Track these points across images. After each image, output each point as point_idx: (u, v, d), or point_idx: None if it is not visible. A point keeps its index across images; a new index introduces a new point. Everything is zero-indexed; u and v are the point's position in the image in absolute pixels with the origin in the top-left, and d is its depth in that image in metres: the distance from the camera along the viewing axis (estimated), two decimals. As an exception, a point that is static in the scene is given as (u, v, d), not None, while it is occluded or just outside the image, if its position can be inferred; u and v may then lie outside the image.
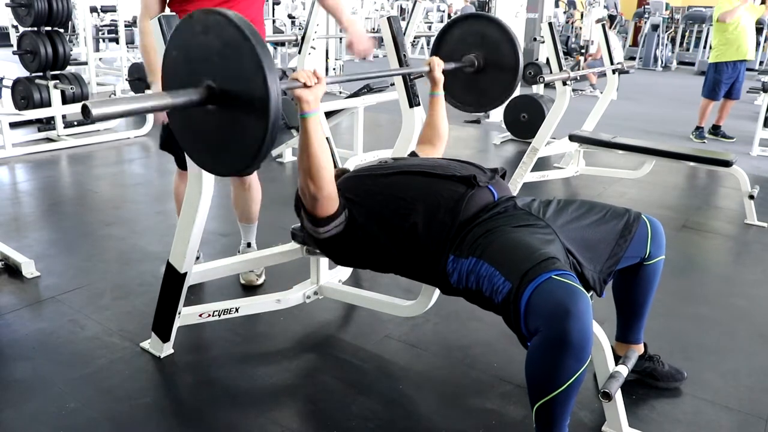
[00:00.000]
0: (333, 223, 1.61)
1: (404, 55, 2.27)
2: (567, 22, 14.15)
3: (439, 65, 2.08)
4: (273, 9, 9.58)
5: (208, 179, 1.71)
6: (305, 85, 1.49)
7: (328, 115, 4.04)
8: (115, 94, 6.63)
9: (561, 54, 3.63)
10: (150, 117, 4.97)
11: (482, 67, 2.30)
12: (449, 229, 1.54)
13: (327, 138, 3.97)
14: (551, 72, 3.64)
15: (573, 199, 1.70)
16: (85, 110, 1.18)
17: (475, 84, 2.34)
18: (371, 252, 1.67)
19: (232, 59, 1.31)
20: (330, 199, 1.58)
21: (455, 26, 2.38)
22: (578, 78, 3.72)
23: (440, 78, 2.08)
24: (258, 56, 1.26)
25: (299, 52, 3.69)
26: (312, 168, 1.52)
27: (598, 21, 6.52)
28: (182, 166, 2.35)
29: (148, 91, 2.36)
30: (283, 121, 5.21)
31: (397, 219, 1.59)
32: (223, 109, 1.36)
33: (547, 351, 1.29)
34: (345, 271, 2.33)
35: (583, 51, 8.75)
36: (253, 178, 2.53)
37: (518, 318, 1.33)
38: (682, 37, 13.81)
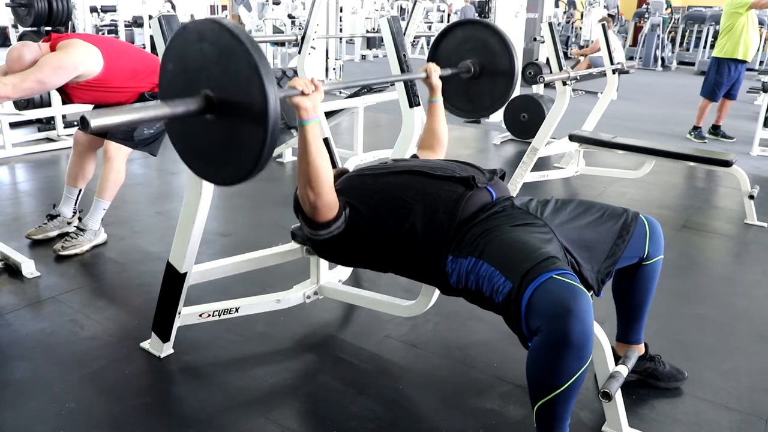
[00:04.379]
0: (332, 226, 1.62)
1: (404, 55, 2.27)
2: (567, 22, 14.15)
3: (435, 71, 2.08)
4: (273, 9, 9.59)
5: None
6: (303, 93, 1.49)
7: (328, 115, 4.04)
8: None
9: (561, 54, 3.63)
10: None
11: (479, 73, 2.29)
12: (448, 229, 1.54)
13: (326, 138, 3.99)
14: (551, 72, 3.64)
15: (571, 199, 1.70)
16: (84, 121, 1.18)
17: (472, 90, 2.33)
18: (370, 252, 1.67)
19: (228, 67, 1.30)
20: (329, 206, 1.58)
21: (451, 32, 2.37)
22: (578, 78, 3.70)
23: (438, 84, 2.08)
24: (255, 62, 1.25)
25: (299, 52, 3.69)
26: (311, 175, 1.52)
27: (600, 21, 6.51)
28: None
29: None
30: (282, 121, 5.22)
31: (396, 219, 1.59)
32: (221, 118, 1.36)
33: (548, 351, 1.29)
34: (345, 271, 2.33)
35: (581, 45, 8.74)
36: (117, 156, 2.69)
37: (519, 318, 1.33)
38: (682, 37, 13.81)
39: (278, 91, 1.30)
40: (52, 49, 2.47)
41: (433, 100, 2.09)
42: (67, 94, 2.58)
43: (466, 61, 2.29)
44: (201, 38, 1.35)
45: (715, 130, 5.85)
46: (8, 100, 2.39)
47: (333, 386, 1.86)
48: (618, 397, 1.59)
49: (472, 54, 2.30)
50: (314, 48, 3.81)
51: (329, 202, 1.57)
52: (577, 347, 1.26)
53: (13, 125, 4.73)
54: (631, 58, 11.43)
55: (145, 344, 2.00)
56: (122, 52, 2.65)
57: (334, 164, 2.44)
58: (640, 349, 1.83)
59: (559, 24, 13.56)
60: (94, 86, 2.55)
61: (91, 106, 2.87)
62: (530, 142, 3.72)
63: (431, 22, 15.57)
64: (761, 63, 11.79)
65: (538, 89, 5.45)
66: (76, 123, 5.02)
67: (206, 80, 1.35)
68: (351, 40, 13.28)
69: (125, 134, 2.70)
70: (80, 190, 2.92)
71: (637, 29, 13.69)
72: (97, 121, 1.19)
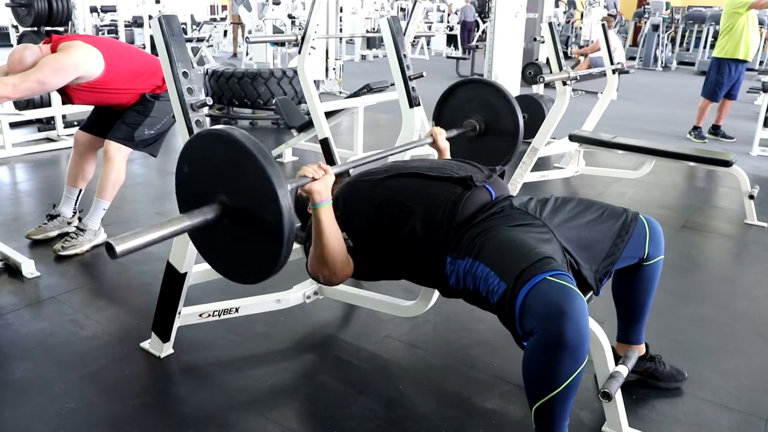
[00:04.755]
0: None
1: (404, 55, 2.28)
2: (567, 22, 14.16)
3: (441, 134, 2.11)
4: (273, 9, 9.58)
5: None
6: (313, 179, 1.52)
7: (328, 115, 4.03)
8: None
9: (561, 54, 3.63)
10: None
11: (484, 131, 2.32)
12: (447, 230, 1.54)
13: (327, 138, 3.98)
14: (551, 72, 3.64)
15: (570, 198, 1.69)
16: (110, 249, 1.19)
17: (477, 147, 2.35)
18: (372, 262, 1.66)
19: (241, 176, 1.33)
20: (345, 276, 1.63)
21: (455, 91, 2.40)
22: (578, 78, 3.70)
23: (445, 146, 2.11)
24: (266, 174, 1.27)
25: (299, 52, 3.68)
26: (326, 257, 1.56)
27: (601, 21, 6.51)
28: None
29: None
30: (283, 121, 5.22)
31: (396, 223, 1.59)
32: (238, 225, 1.38)
33: (544, 352, 1.29)
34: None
35: (581, 45, 8.74)
36: (117, 156, 2.70)
37: (513, 319, 1.33)
38: (682, 37, 13.81)
39: (289, 185, 1.32)
40: (53, 50, 2.48)
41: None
42: (68, 95, 2.59)
43: (471, 119, 2.30)
44: (214, 147, 1.38)
45: (715, 130, 5.85)
46: (8, 101, 2.40)
47: (333, 386, 1.86)
48: (618, 397, 1.59)
49: (476, 112, 2.32)
50: (314, 48, 3.80)
51: (346, 275, 1.63)
52: (572, 348, 1.26)
53: (13, 125, 4.73)
54: (631, 58, 11.44)
55: (145, 344, 2.00)
56: (123, 54, 2.65)
57: (333, 164, 2.45)
58: (640, 349, 1.82)
59: (559, 24, 13.57)
60: (95, 88, 2.55)
61: (93, 113, 2.87)
62: (530, 142, 3.72)
63: (431, 22, 15.56)
64: (761, 63, 11.79)
65: (538, 89, 5.45)
66: (76, 123, 5.02)
67: (221, 186, 1.37)
68: (351, 40, 13.29)
69: (126, 134, 2.71)
70: (80, 190, 2.92)
71: (637, 29, 13.70)
72: (122, 247, 1.20)
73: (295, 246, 2.13)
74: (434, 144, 2.10)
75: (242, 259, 1.44)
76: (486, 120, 2.31)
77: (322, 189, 1.53)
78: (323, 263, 1.58)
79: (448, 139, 2.12)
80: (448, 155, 2.10)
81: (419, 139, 2.19)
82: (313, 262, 1.61)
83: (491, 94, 2.30)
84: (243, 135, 1.32)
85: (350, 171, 1.88)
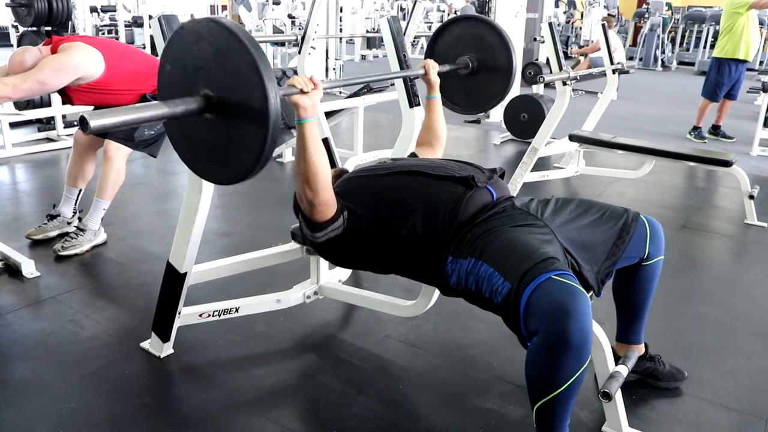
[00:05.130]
0: (330, 227, 1.62)
1: (404, 55, 2.27)
2: (567, 22, 14.15)
3: (433, 67, 2.08)
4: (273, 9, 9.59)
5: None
6: (302, 91, 1.49)
7: (328, 115, 4.04)
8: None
9: (561, 54, 3.63)
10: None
11: (476, 68, 2.29)
12: (448, 230, 1.54)
13: (326, 138, 3.99)
14: (551, 72, 3.64)
15: (571, 199, 1.69)
16: (83, 122, 1.18)
17: (470, 86, 2.34)
18: (370, 254, 1.66)
19: (227, 66, 1.30)
20: (327, 205, 1.58)
21: (448, 28, 2.37)
22: (578, 78, 3.70)
23: (436, 81, 2.08)
24: (254, 60, 1.25)
25: (299, 52, 3.69)
26: (309, 174, 1.52)
27: (601, 20, 6.51)
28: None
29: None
30: (282, 121, 5.21)
31: (396, 221, 1.59)
32: (221, 118, 1.35)
33: (547, 351, 1.29)
34: (345, 271, 2.33)
35: (581, 45, 8.74)
36: (116, 156, 2.70)
37: (518, 318, 1.33)
38: (682, 37, 13.81)
39: (278, 89, 1.29)
40: (53, 51, 2.48)
41: (431, 97, 2.09)
42: (69, 96, 2.59)
43: (464, 57, 2.29)
44: (199, 38, 1.34)
45: (715, 130, 5.85)
46: (9, 101, 2.40)
47: (333, 386, 1.86)
48: (618, 397, 1.59)
49: (469, 50, 2.30)
50: (314, 48, 3.81)
51: (327, 200, 1.57)
52: (576, 348, 1.26)
53: (13, 125, 4.72)
54: (631, 58, 11.43)
55: (145, 344, 2.00)
56: (123, 55, 2.65)
57: (333, 164, 2.44)
58: (640, 349, 1.82)
59: (559, 24, 13.56)
60: (95, 89, 2.55)
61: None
62: (530, 142, 3.72)
63: (431, 22, 15.57)
64: (761, 63, 11.78)
65: (538, 89, 5.45)
66: (76, 123, 5.02)
67: (205, 80, 1.34)
68: (351, 40, 13.28)
69: (126, 135, 2.71)
70: (80, 190, 2.92)
71: (637, 29, 13.69)
72: (96, 122, 1.20)
73: (294, 246, 2.14)
74: (425, 76, 2.08)
75: (224, 155, 1.40)
76: (479, 58, 2.28)
77: (309, 105, 1.51)
78: (306, 183, 1.54)
79: (440, 74, 2.10)
80: (437, 91, 2.08)
81: (411, 70, 2.18)
82: (298, 183, 1.58)
83: (485, 31, 2.27)
84: (231, 22, 1.30)
85: (352, 167, 1.87)
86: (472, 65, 2.29)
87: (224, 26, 1.30)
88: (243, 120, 1.31)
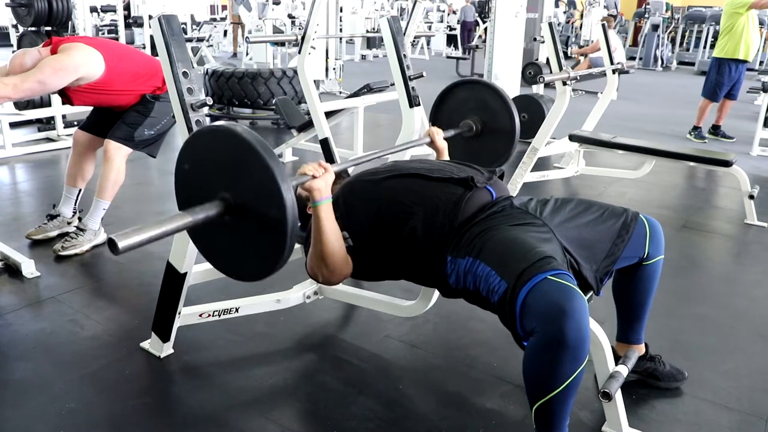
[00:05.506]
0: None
1: (404, 55, 2.28)
2: (567, 22, 14.16)
3: (438, 134, 2.11)
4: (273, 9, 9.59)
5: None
6: (313, 177, 1.52)
7: (328, 115, 4.03)
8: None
9: (561, 54, 3.62)
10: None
11: (480, 131, 2.32)
12: (448, 231, 1.54)
13: (327, 138, 3.98)
14: (551, 72, 3.64)
15: (571, 198, 1.69)
16: (113, 245, 1.17)
17: (474, 148, 2.35)
18: (370, 260, 1.66)
19: (243, 172, 1.32)
20: (343, 276, 1.63)
21: (452, 92, 2.40)
22: (578, 78, 3.70)
23: (443, 146, 2.11)
24: (269, 169, 1.26)
25: (299, 52, 3.68)
26: (325, 254, 1.56)
27: (601, 20, 6.51)
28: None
29: None
30: (283, 121, 5.21)
31: (396, 224, 1.59)
32: (240, 220, 1.37)
33: (544, 352, 1.29)
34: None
35: (581, 45, 8.74)
36: (116, 156, 2.70)
37: (514, 318, 1.33)
38: (682, 37, 13.82)
39: (291, 181, 1.32)
40: (53, 52, 2.48)
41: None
42: (69, 97, 2.59)
43: (468, 120, 2.30)
44: (215, 142, 1.37)
45: (715, 130, 5.85)
46: (9, 101, 2.40)
47: (333, 386, 1.86)
48: (618, 397, 1.59)
49: (472, 113, 2.32)
50: (314, 48, 3.81)
51: (345, 274, 1.63)
52: (573, 348, 1.26)
53: (13, 125, 4.72)
54: (631, 58, 11.43)
55: (145, 344, 2.00)
56: (123, 56, 2.65)
57: (333, 163, 2.45)
58: (640, 349, 1.82)
59: (559, 24, 13.57)
60: (95, 89, 2.55)
61: (92, 113, 2.87)
62: (530, 142, 3.72)
63: (431, 22, 15.56)
64: (761, 63, 11.79)
65: (538, 89, 5.45)
66: (76, 123, 5.03)
67: (223, 182, 1.36)
68: (351, 40, 13.28)
69: (126, 134, 2.71)
70: (80, 190, 2.92)
71: (637, 29, 13.70)
72: (124, 242, 1.19)
73: (296, 246, 2.14)
74: (432, 144, 2.10)
75: (244, 256, 1.43)
76: (483, 120, 2.31)
77: (322, 187, 1.53)
78: (322, 262, 1.57)
79: (445, 139, 2.12)
80: (446, 155, 2.10)
81: (418, 138, 2.19)
82: (312, 261, 1.61)
83: (487, 94, 2.31)
84: (245, 131, 1.32)
85: (350, 170, 1.88)
86: (476, 128, 2.32)
87: (238, 135, 1.30)
88: (262, 226, 1.33)
